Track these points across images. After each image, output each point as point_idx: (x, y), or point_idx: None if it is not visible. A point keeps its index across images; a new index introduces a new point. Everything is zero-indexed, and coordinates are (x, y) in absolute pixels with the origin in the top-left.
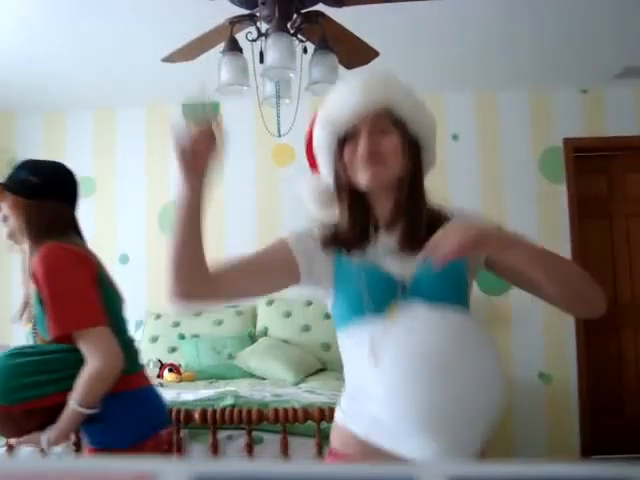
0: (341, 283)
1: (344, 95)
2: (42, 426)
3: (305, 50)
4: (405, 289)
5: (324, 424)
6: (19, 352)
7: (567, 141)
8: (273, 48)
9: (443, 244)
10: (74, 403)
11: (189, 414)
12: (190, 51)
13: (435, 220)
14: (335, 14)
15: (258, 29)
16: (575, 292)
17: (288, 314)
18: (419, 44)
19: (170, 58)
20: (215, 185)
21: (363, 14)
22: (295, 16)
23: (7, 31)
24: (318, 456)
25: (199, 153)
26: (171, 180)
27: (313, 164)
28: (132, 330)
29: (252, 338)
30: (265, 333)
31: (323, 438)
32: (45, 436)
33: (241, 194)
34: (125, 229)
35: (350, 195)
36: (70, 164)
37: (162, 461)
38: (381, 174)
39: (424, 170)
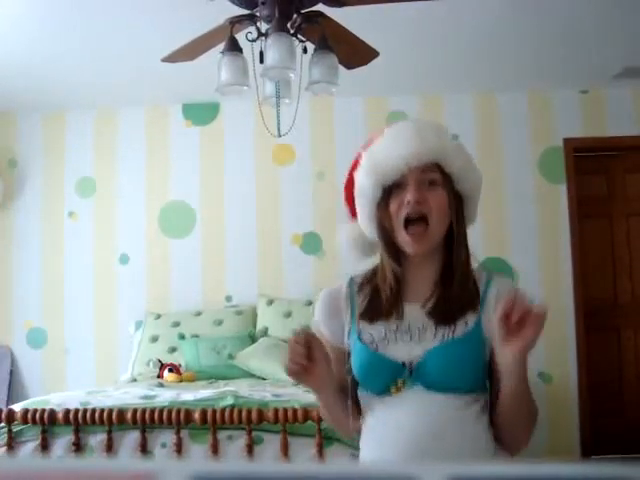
0: (352, 353)
1: (394, 143)
2: None
3: (305, 50)
4: (410, 373)
5: (324, 424)
6: None
7: (567, 141)
8: (273, 48)
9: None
10: None
11: (189, 414)
12: (190, 51)
13: (469, 287)
14: (335, 14)
15: (258, 29)
16: (516, 438)
17: (288, 314)
18: (419, 44)
19: (170, 58)
20: (215, 185)
21: (363, 14)
22: (295, 16)
23: (7, 31)
24: (318, 456)
25: (310, 363)
26: (171, 180)
27: (352, 211)
28: (132, 330)
29: (252, 338)
30: (265, 333)
31: (323, 438)
32: None
33: (241, 194)
34: (125, 229)
35: (393, 257)
36: (70, 164)
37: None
38: (426, 237)
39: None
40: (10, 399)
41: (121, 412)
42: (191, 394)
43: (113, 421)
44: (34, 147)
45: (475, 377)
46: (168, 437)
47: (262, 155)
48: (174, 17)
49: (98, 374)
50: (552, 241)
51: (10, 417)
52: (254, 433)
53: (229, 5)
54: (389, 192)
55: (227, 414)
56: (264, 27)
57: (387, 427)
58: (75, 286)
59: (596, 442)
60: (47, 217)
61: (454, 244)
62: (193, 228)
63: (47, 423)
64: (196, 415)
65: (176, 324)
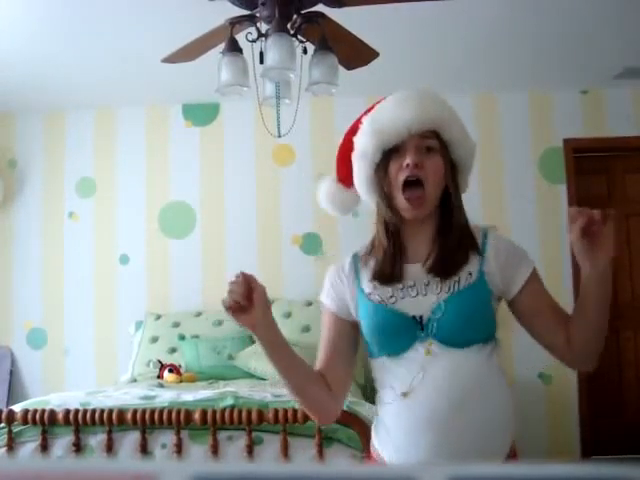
0: (362, 318)
1: (397, 108)
2: None
3: (305, 51)
4: (425, 329)
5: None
6: None
7: (567, 142)
8: (273, 49)
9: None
10: None
11: (189, 415)
12: (190, 52)
13: (467, 240)
14: (335, 14)
15: (258, 30)
16: (600, 346)
17: (288, 314)
18: (419, 44)
19: (170, 58)
20: (215, 185)
21: (363, 14)
22: (295, 17)
23: (7, 31)
24: (318, 456)
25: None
26: (171, 180)
27: (339, 171)
28: (132, 330)
29: (252, 338)
30: None
31: (323, 438)
32: None
33: (241, 194)
34: (125, 229)
35: (389, 219)
36: (70, 164)
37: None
38: (423, 201)
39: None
40: (10, 399)
41: (121, 412)
42: (191, 394)
43: (113, 421)
44: (34, 147)
45: (486, 326)
46: (168, 438)
47: (262, 155)
48: (174, 17)
49: (98, 374)
50: (552, 241)
51: (10, 418)
52: (254, 433)
53: (229, 5)
54: (388, 156)
55: (227, 415)
56: (264, 28)
57: (419, 392)
58: (75, 286)
59: (596, 442)
60: (47, 217)
61: (451, 205)
62: (193, 228)
63: (47, 423)
64: (196, 416)
65: (176, 324)
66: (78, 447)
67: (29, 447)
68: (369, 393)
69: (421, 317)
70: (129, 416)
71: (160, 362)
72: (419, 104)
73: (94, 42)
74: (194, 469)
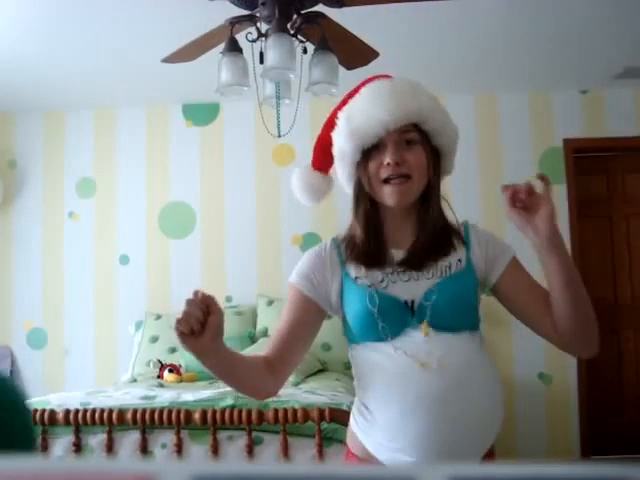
0: (350, 302)
1: (372, 107)
2: None
3: (305, 51)
4: (416, 314)
5: (324, 424)
6: None
7: (567, 142)
8: (273, 49)
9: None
10: None
11: (189, 415)
12: (190, 52)
13: (443, 236)
14: (335, 14)
15: (258, 30)
16: (586, 324)
17: None
18: (419, 44)
19: (170, 59)
20: (215, 185)
21: (363, 14)
22: (295, 17)
23: (7, 31)
24: (318, 456)
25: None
26: (171, 180)
27: (317, 161)
28: (132, 330)
29: (252, 339)
30: (265, 333)
31: (323, 438)
32: None
33: (241, 194)
34: (125, 229)
35: (367, 208)
36: (70, 164)
37: (162, 461)
38: (408, 192)
39: (441, 178)
40: None
41: (121, 412)
42: (191, 394)
43: (113, 421)
44: (34, 147)
45: (474, 313)
46: (168, 437)
47: (262, 155)
48: (174, 17)
49: (98, 374)
50: None
51: None
52: (254, 433)
53: (229, 5)
54: (368, 154)
55: (227, 414)
56: (264, 28)
57: (407, 374)
58: (75, 286)
59: (596, 442)
60: (47, 217)
61: (430, 195)
62: (193, 228)
63: (47, 423)
64: (196, 415)
65: None
66: (78, 447)
67: None
68: None
69: (412, 302)
70: (129, 416)
71: (160, 362)
72: (394, 100)
73: (94, 42)
74: (194, 469)
